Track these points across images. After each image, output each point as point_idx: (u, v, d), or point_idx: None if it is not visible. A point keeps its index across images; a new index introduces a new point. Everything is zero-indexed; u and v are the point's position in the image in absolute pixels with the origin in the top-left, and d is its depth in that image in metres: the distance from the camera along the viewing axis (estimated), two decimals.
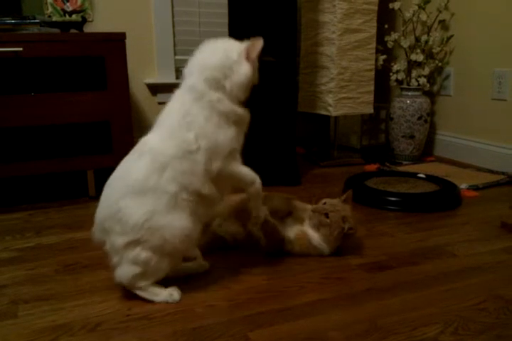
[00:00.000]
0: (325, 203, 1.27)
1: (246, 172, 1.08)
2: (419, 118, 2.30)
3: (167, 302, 1.04)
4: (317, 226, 1.24)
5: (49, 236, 1.44)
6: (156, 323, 0.97)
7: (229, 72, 1.02)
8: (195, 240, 1.06)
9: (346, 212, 1.25)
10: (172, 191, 0.99)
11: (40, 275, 1.19)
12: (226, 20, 2.24)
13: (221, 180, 1.04)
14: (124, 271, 1.01)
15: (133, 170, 1.01)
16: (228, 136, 1.02)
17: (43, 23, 1.78)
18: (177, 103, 1.04)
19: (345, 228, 1.22)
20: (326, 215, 1.23)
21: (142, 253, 0.99)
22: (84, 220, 1.58)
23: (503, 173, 2.05)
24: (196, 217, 1.02)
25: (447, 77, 2.39)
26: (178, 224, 0.99)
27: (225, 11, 2.27)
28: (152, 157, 1.00)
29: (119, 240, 0.99)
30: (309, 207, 1.30)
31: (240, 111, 1.05)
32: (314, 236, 1.25)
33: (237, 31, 2.16)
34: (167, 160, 0.99)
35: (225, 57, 1.02)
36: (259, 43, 1.04)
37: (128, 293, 1.08)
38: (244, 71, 1.03)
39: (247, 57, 1.04)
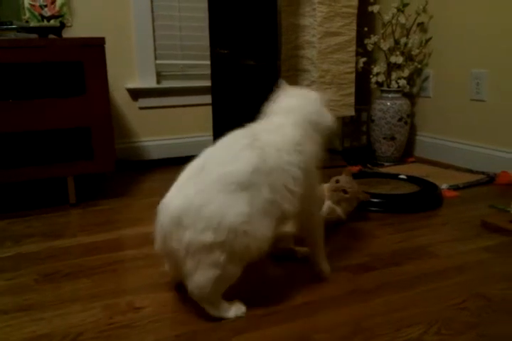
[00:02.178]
0: (338, 181, 1.51)
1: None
2: (400, 119, 2.32)
3: (236, 316, 1.00)
4: (338, 202, 1.50)
5: (29, 244, 1.42)
6: (138, 331, 0.96)
7: (322, 117, 1.22)
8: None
9: (356, 184, 1.53)
10: (269, 198, 0.97)
11: (20, 285, 1.17)
12: (207, 24, 2.24)
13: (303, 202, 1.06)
14: (205, 275, 0.93)
15: (240, 161, 0.96)
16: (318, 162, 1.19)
17: (20, 29, 1.76)
18: (290, 127, 1.11)
19: (360, 197, 1.53)
20: (344, 191, 1.49)
21: (223, 256, 0.92)
22: (64, 228, 1.55)
23: (482, 173, 2.08)
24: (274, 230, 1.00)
25: (426, 78, 2.43)
26: (264, 231, 0.95)
27: (206, 15, 2.27)
28: (265, 155, 0.99)
29: (204, 238, 0.90)
30: (325, 185, 1.53)
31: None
32: (338, 209, 1.50)
33: (217, 35, 2.16)
34: (276, 165, 1.00)
35: (318, 105, 1.21)
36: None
37: (110, 301, 1.06)
38: (331, 118, 1.23)
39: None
